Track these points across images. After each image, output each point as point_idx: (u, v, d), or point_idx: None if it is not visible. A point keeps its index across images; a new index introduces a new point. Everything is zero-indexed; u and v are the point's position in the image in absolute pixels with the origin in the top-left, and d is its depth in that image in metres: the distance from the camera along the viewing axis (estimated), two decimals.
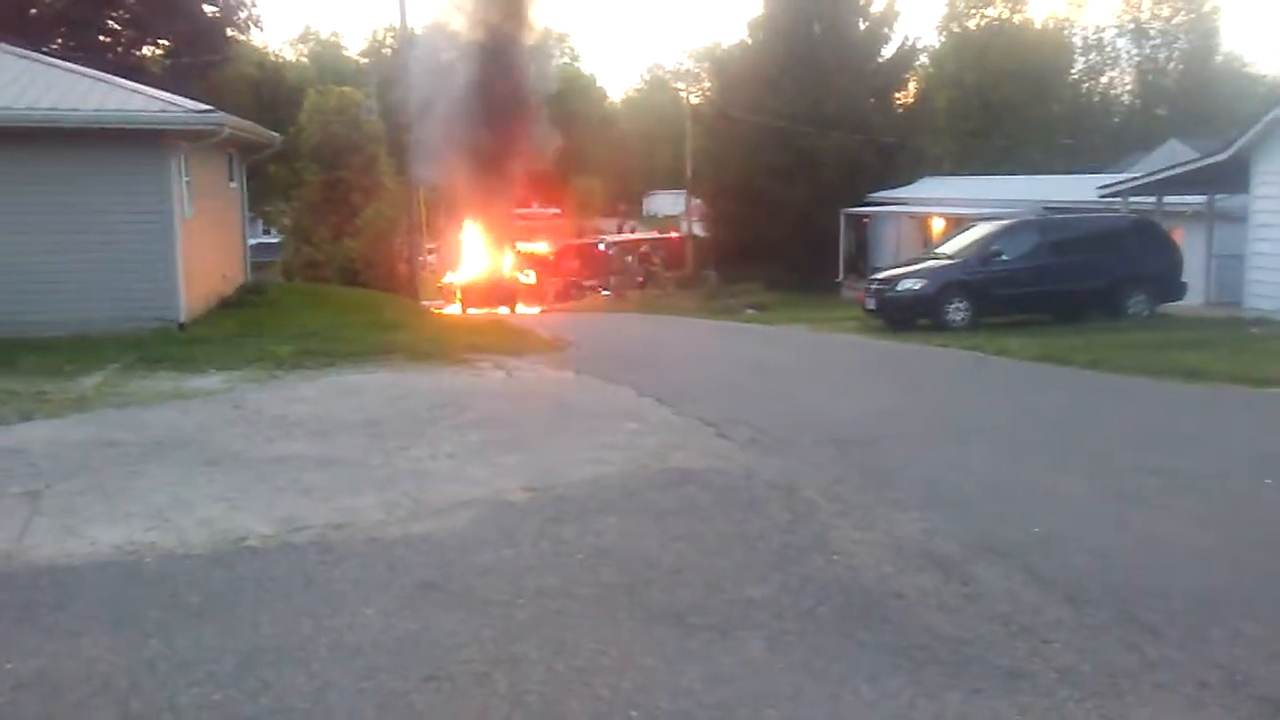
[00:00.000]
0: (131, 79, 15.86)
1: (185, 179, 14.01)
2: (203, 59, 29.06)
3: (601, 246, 45.22)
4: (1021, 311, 17.87)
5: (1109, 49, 57.24)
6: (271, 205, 36.89)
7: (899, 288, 18.23)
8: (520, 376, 11.02)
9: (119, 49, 29.00)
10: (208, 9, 30.65)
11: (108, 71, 15.80)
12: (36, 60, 15.17)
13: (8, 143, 12.86)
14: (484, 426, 8.24)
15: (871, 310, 18.98)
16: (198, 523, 5.70)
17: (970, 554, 5.19)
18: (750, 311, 31.11)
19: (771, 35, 41.21)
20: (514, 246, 41.76)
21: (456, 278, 38.35)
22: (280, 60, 51.99)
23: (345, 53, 68.87)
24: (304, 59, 65.23)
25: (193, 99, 14.77)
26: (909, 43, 43.86)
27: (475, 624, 4.35)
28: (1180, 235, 20.69)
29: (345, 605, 4.55)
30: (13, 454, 7.21)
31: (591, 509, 5.98)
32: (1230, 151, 17.89)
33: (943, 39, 54.21)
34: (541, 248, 43.28)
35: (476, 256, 40.43)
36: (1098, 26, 56.99)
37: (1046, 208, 23.73)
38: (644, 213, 70.61)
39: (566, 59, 75.87)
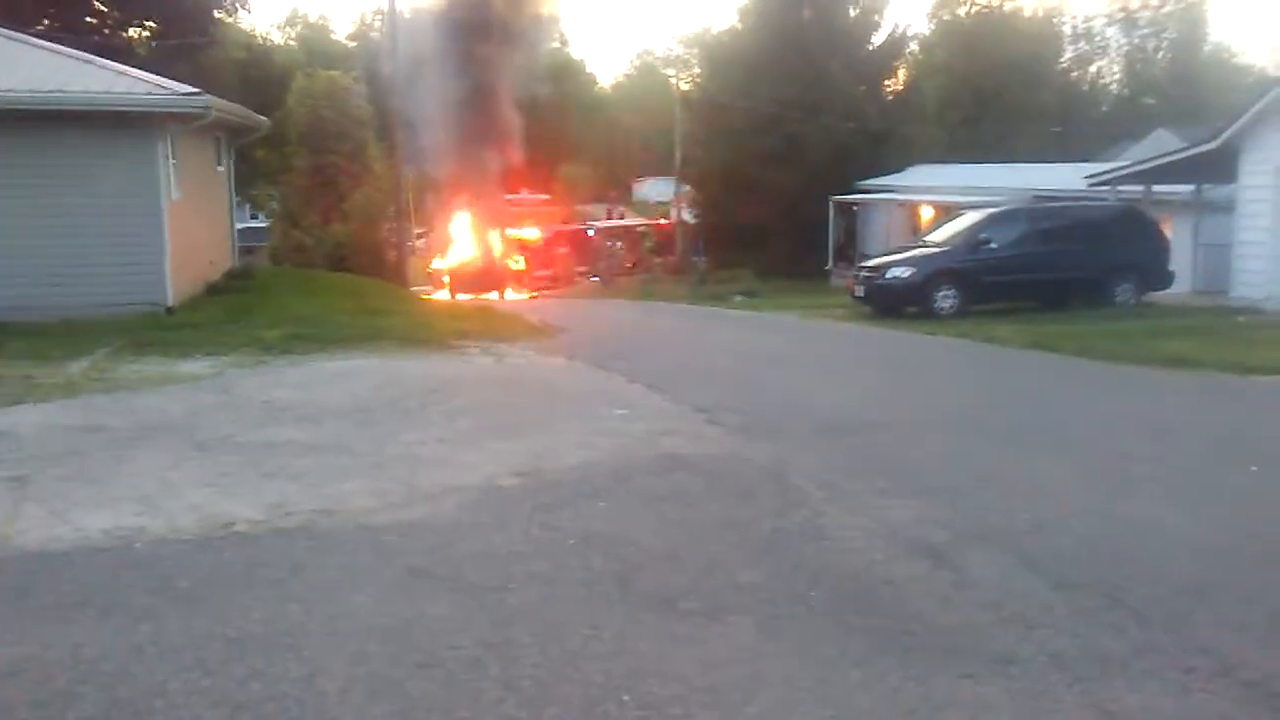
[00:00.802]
0: (118, 61, 15.72)
1: (172, 162, 13.91)
2: (190, 41, 28.82)
3: (591, 233, 45.11)
4: (1010, 299, 17.93)
5: (1098, 38, 57.34)
6: (259, 189, 36.67)
7: (888, 275, 18.26)
8: (510, 362, 11.00)
9: (105, 30, 28.73)
10: None
11: (94, 53, 15.67)
12: (21, 42, 15.04)
13: None
14: (474, 412, 8.23)
15: (860, 298, 19.02)
16: (186, 508, 5.67)
17: (960, 540, 5.21)
18: (739, 298, 31.12)
19: (761, 21, 41.11)
20: (503, 232, 41.64)
21: (446, 263, 38.24)
22: (268, 43, 51.66)
23: (333, 36, 68.38)
24: (292, 42, 64.73)
25: (180, 82, 14.65)
26: (899, 30, 43.89)
27: (466, 610, 4.35)
28: (1168, 224, 20.76)
29: (335, 591, 4.54)
30: (0, 439, 7.17)
31: (582, 494, 5.97)
32: (1218, 141, 17.95)
33: (933, 27, 54.22)
34: (531, 233, 43.18)
35: (466, 242, 40.32)
36: (1087, 15, 57.17)
37: (1035, 196, 23.79)
38: (634, 199, 70.46)
39: (556, 44, 75.57)
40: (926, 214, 31.66)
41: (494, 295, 31.59)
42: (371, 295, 18.57)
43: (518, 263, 39.67)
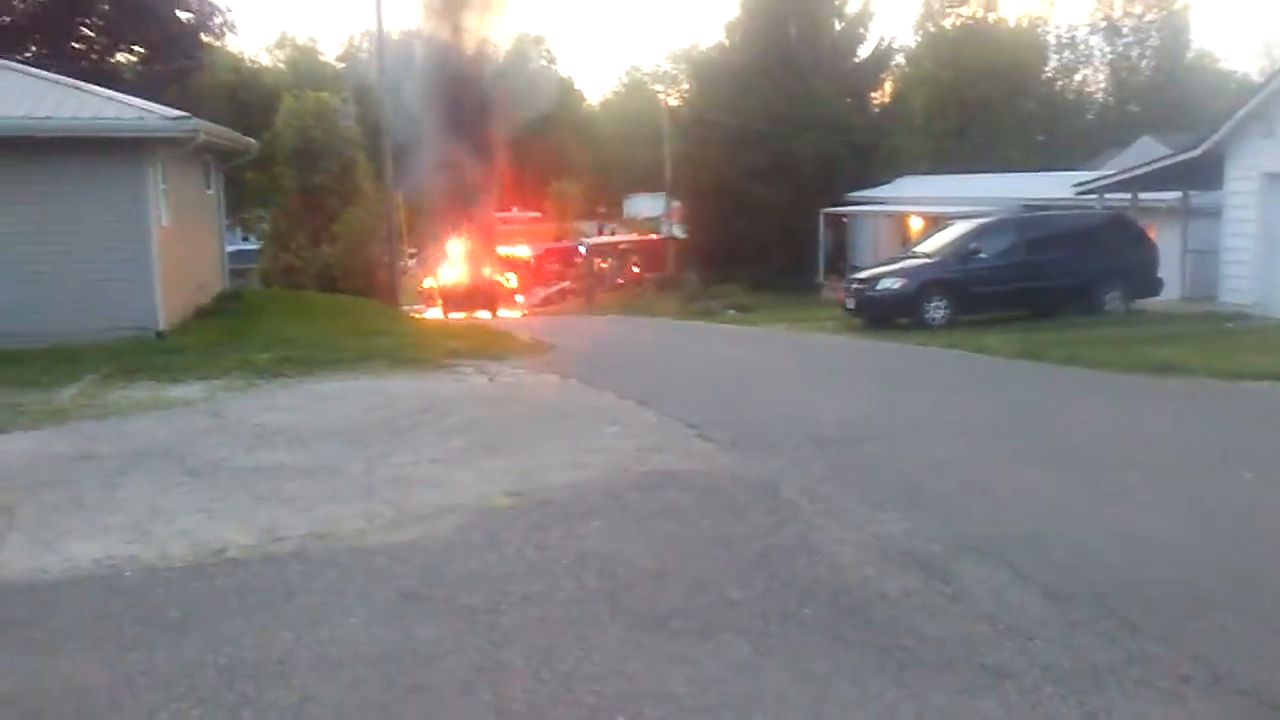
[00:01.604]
0: (105, 86, 15.74)
1: (162, 187, 13.91)
2: (177, 65, 28.82)
3: (582, 249, 45.17)
4: (1000, 309, 17.97)
5: (1082, 47, 57.61)
6: (249, 212, 36.60)
7: (878, 287, 18.30)
8: (502, 381, 10.99)
9: (93, 56, 28.72)
10: (182, 15, 30.41)
11: (82, 79, 15.66)
12: (9, 68, 15.05)
13: None
14: (466, 432, 8.22)
15: (851, 310, 19.06)
16: (177, 534, 5.65)
17: (952, 553, 5.21)
18: (731, 312, 31.15)
19: (748, 37, 41.31)
20: (494, 250, 41.67)
21: (437, 282, 38.25)
22: (256, 66, 51.66)
23: (322, 58, 68.47)
24: (280, 65, 64.82)
25: (168, 106, 14.66)
26: (885, 43, 44.10)
27: (459, 632, 4.33)
28: (1155, 231, 20.84)
29: (327, 616, 4.52)
30: None
31: (575, 513, 5.96)
32: (1203, 148, 18.04)
33: (918, 38, 54.47)
34: (522, 251, 43.20)
35: (457, 261, 40.34)
36: (1071, 24, 57.39)
37: (1023, 206, 23.88)
38: (624, 215, 70.56)
39: (544, 62, 75.78)
40: (916, 225, 31.75)
41: (486, 314, 31.57)
42: (362, 316, 18.56)
43: (509, 281, 39.70)
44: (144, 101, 14.46)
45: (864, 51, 42.97)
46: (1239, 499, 6.35)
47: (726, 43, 44.13)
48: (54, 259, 13.06)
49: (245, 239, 39.09)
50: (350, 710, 3.68)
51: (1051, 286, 17.73)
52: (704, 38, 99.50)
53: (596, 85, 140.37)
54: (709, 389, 10.79)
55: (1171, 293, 19.40)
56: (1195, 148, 18.44)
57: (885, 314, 18.13)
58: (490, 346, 13.82)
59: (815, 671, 3.96)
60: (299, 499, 6.31)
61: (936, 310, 17.53)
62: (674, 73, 76.63)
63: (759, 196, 37.67)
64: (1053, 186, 26.64)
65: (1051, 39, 56.93)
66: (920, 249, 19.81)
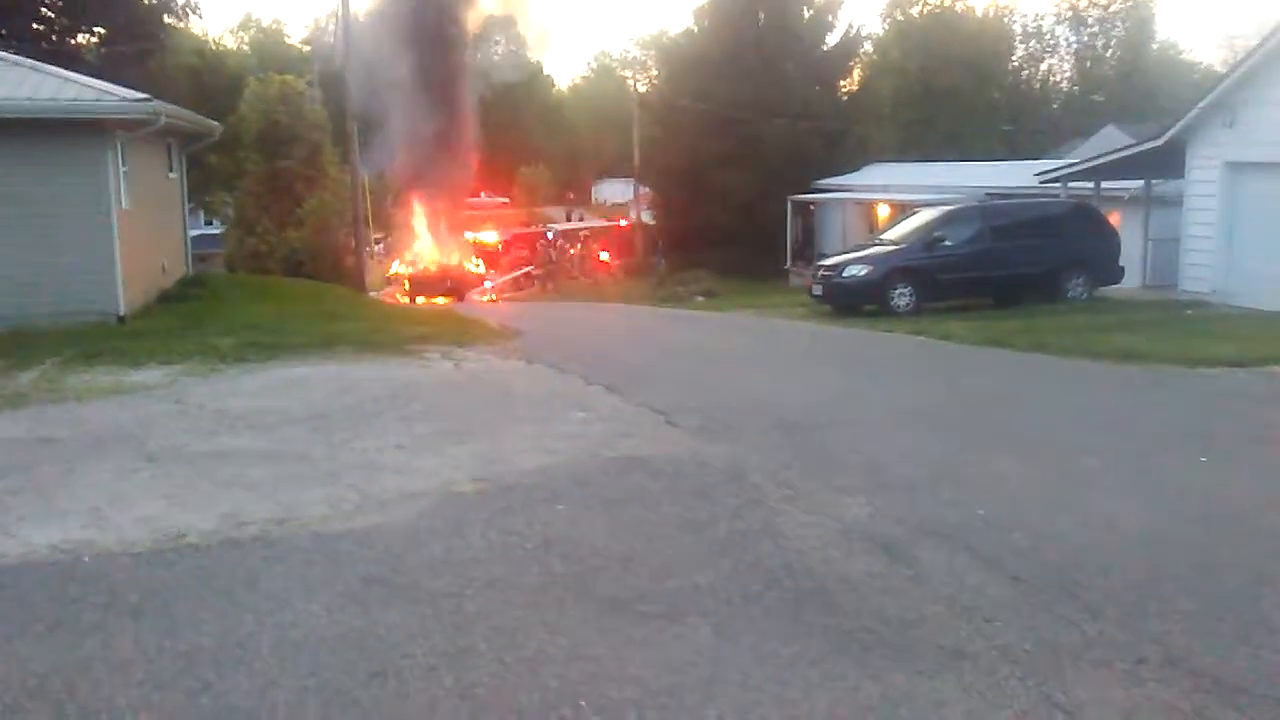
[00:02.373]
0: (66, 68, 15.46)
1: (122, 169, 13.70)
2: (140, 47, 28.41)
3: (550, 235, 45.06)
4: (964, 296, 18.11)
5: (1048, 36, 58.15)
6: (213, 196, 36.22)
7: (845, 274, 18.38)
8: (468, 367, 10.94)
9: (53, 37, 28.27)
10: None
11: (41, 60, 15.38)
12: None
13: None
14: (432, 417, 8.18)
15: (818, 296, 19.13)
16: (137, 520, 5.59)
17: (915, 537, 5.25)
18: (699, 299, 31.23)
19: (717, 23, 41.32)
20: (462, 235, 41.47)
21: (404, 267, 38.02)
22: (220, 48, 51.02)
23: (287, 40, 67.72)
24: (245, 47, 64.08)
25: (130, 88, 14.43)
26: (853, 31, 44.25)
27: (422, 618, 4.32)
28: (1118, 219, 21.07)
29: (289, 602, 4.49)
30: None
31: (540, 498, 5.96)
32: (1165, 138, 18.24)
33: (886, 27, 54.77)
34: (490, 237, 43.03)
35: (424, 246, 40.11)
36: (1037, 14, 58.18)
37: (988, 193, 24.04)
38: (593, 200, 70.44)
39: (513, 47, 75.35)
40: (883, 212, 31.93)
41: (453, 299, 31.43)
42: (328, 301, 18.41)
43: (477, 266, 39.53)
44: (105, 83, 14.23)
45: (832, 39, 43.12)
46: (1196, 483, 6.44)
47: (695, 29, 44.15)
48: (12, 242, 12.85)
49: (209, 223, 38.67)
50: (311, 696, 3.66)
51: (1015, 274, 17.88)
52: (673, 24, 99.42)
53: (566, 70, 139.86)
54: (676, 375, 10.80)
55: (1133, 280, 19.62)
56: (1158, 137, 18.64)
57: (852, 300, 18.22)
58: (457, 332, 13.74)
59: (779, 654, 3.98)
60: (261, 484, 6.25)
61: (902, 297, 17.64)
62: (643, 58, 76.49)
63: (727, 183, 37.73)
64: (1018, 175, 26.84)
65: (1018, 29, 57.45)
66: (886, 236, 19.91)
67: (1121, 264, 18.95)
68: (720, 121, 37.92)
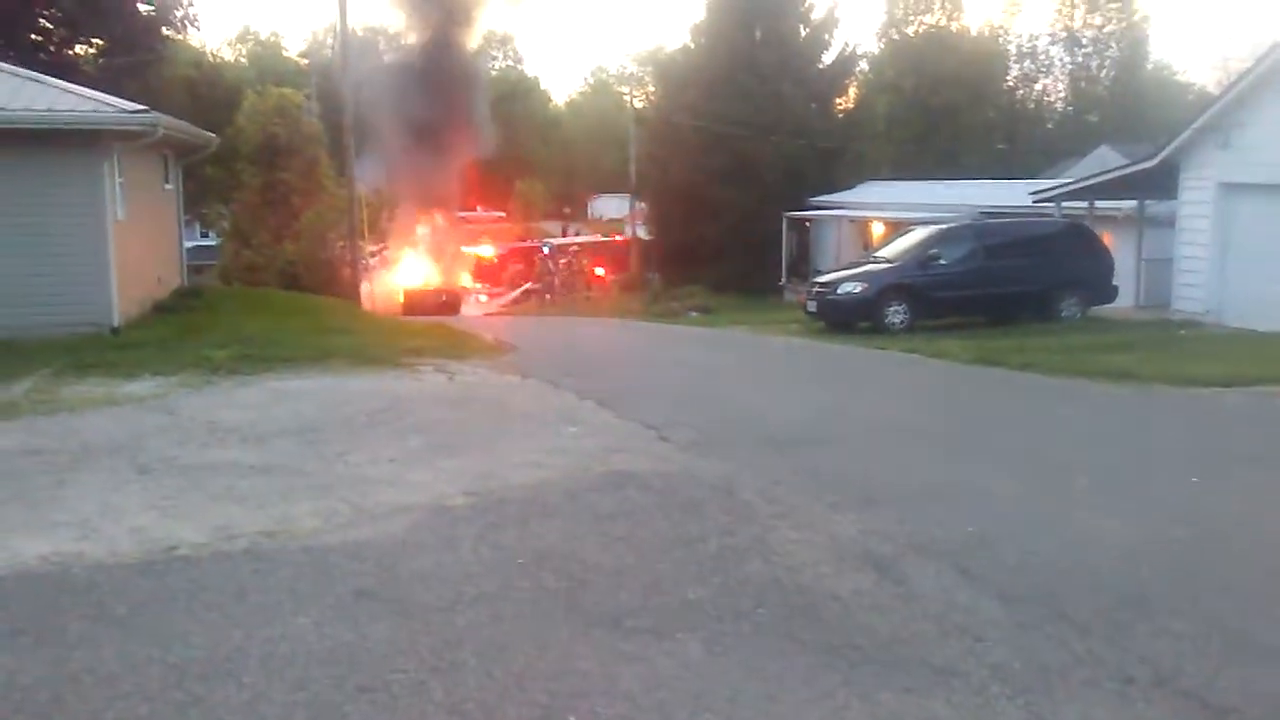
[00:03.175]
0: (64, 78, 15.47)
1: (119, 180, 13.70)
2: (137, 58, 28.44)
3: (545, 250, 45.11)
4: (958, 314, 18.15)
5: (1042, 56, 58.37)
6: (209, 208, 36.21)
7: (839, 291, 18.42)
8: (462, 380, 10.94)
9: (51, 48, 28.28)
10: (143, 8, 30.00)
11: (39, 71, 15.40)
12: None
13: None
14: (425, 431, 8.18)
15: (812, 313, 19.16)
16: (128, 531, 5.58)
17: (906, 554, 5.26)
18: (693, 314, 31.24)
19: (714, 40, 41.46)
20: (458, 250, 41.52)
21: (400, 280, 38.03)
22: (218, 60, 51.10)
23: (285, 53, 67.82)
24: (243, 59, 64.18)
25: (127, 99, 14.45)
26: (849, 49, 44.42)
27: (412, 632, 4.31)
28: (1111, 239, 21.14)
29: (278, 615, 4.48)
30: None
31: (532, 513, 5.96)
32: (1159, 158, 18.33)
33: (882, 45, 54.99)
34: (486, 251, 43.07)
35: (420, 259, 40.12)
36: (1032, 34, 58.16)
37: (982, 212, 24.13)
38: (589, 215, 70.54)
39: (510, 62, 75.68)
40: (877, 230, 32.02)
41: (448, 314, 31.44)
42: (323, 314, 18.39)
43: (469, 282, 39.57)
44: (102, 94, 14.25)
45: (828, 58, 43.28)
46: (1187, 503, 6.46)
47: (692, 46, 44.27)
48: (6, 253, 12.82)
49: (205, 235, 38.68)
50: (300, 709, 3.65)
51: (1009, 293, 17.93)
52: (670, 40, 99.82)
53: (563, 86, 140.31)
54: (669, 390, 10.81)
55: (1126, 300, 19.67)
56: (1152, 157, 18.73)
57: (846, 318, 18.25)
58: (451, 346, 13.75)
59: (768, 670, 3.98)
60: (253, 497, 6.25)
61: (896, 315, 17.67)
62: (640, 74, 76.70)
63: (723, 199, 37.83)
64: (1012, 194, 26.94)
65: (1012, 48, 57.69)
66: (881, 254, 19.96)
67: (1115, 284, 19.01)
68: (716, 138, 38.03)
